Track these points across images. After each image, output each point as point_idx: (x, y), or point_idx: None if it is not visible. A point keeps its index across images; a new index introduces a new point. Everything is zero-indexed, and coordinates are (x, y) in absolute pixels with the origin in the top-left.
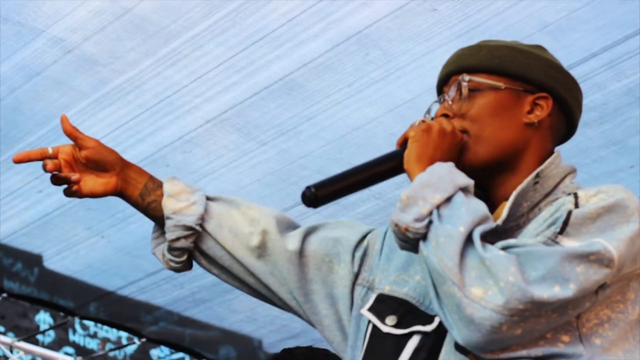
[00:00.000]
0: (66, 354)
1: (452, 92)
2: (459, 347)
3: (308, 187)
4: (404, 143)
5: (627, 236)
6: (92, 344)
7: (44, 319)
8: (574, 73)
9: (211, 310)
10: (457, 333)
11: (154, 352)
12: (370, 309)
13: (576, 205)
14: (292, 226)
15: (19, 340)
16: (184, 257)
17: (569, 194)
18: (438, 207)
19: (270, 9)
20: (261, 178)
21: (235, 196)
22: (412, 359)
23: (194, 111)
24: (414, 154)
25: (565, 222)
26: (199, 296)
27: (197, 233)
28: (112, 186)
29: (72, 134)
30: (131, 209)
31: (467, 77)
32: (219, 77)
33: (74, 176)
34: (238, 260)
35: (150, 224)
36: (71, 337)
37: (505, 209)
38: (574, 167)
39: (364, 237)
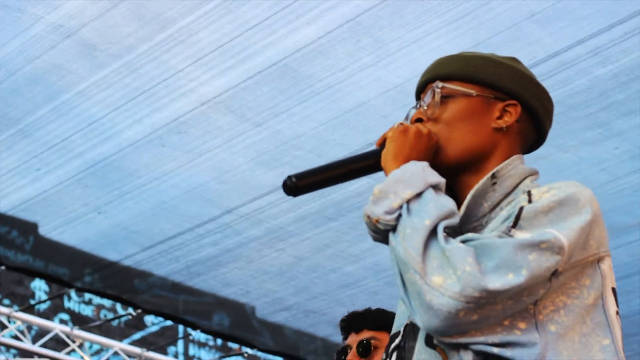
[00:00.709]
0: (61, 320)
1: (427, 98)
2: (428, 343)
3: (289, 177)
4: (383, 143)
5: (578, 226)
6: (87, 311)
7: (39, 286)
8: (561, 59)
9: (205, 282)
10: (418, 318)
11: (148, 318)
12: None
13: (529, 202)
14: None
15: (16, 311)
16: None
17: (524, 192)
18: (408, 201)
19: None
20: (255, 157)
21: None
22: (391, 356)
23: (189, 94)
24: (391, 153)
25: (518, 217)
26: (193, 269)
27: None
28: None
29: None
30: (127, 187)
31: (440, 84)
32: (214, 62)
33: None
34: None
35: (145, 200)
36: (66, 304)
37: (462, 207)
38: (536, 170)
39: None
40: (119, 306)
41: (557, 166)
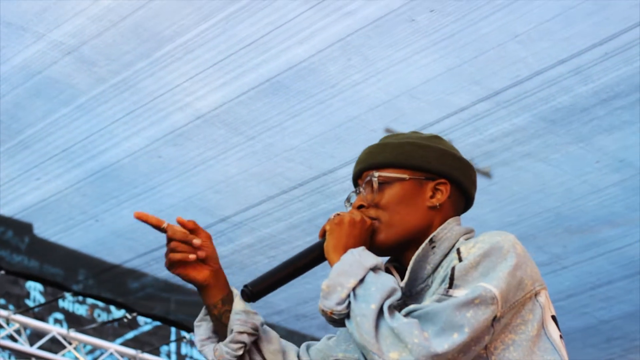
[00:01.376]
0: (56, 320)
1: (365, 185)
2: None
3: (245, 286)
4: (324, 235)
5: (505, 272)
6: (81, 310)
7: (34, 286)
8: (544, 78)
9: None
10: None
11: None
12: None
13: (460, 260)
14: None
15: (15, 313)
16: (241, 352)
17: (456, 250)
18: (354, 289)
19: (258, 18)
20: (248, 169)
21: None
22: None
23: (185, 108)
24: (330, 245)
25: (452, 277)
26: None
27: (257, 335)
28: (205, 277)
29: (194, 227)
30: (124, 196)
31: (376, 174)
32: (209, 78)
33: (192, 256)
34: None
35: (142, 208)
36: (60, 304)
37: (407, 273)
38: (471, 229)
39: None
40: (112, 306)
41: (541, 178)
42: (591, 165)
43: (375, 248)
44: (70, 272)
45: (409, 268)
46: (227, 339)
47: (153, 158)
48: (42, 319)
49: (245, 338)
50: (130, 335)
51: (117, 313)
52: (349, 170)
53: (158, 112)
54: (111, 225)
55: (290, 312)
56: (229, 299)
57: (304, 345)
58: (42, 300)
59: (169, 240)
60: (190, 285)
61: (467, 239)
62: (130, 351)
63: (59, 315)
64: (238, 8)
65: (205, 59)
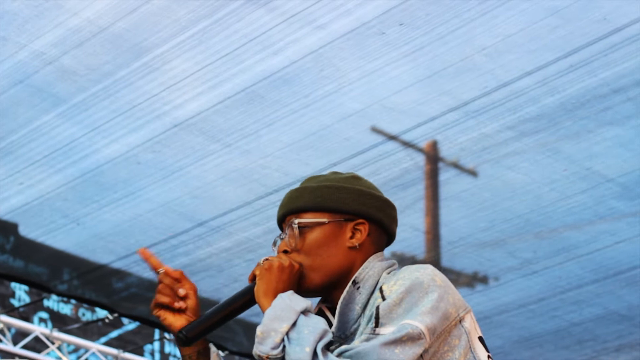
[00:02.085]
0: (40, 319)
1: (288, 231)
2: None
3: (180, 331)
4: (253, 279)
5: (428, 307)
6: (65, 310)
7: (19, 285)
8: (511, 89)
9: None
10: None
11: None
12: None
13: (383, 298)
14: None
15: (0, 314)
16: None
17: (379, 289)
18: (287, 333)
19: (233, 30)
20: (225, 175)
21: None
22: None
23: (163, 117)
24: (261, 290)
25: (377, 316)
26: None
27: None
28: (182, 327)
29: (179, 277)
30: (104, 200)
31: (296, 221)
32: (186, 88)
33: (177, 304)
34: None
35: (122, 212)
36: (45, 303)
37: (336, 317)
38: (393, 262)
39: None
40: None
41: (510, 186)
42: (559, 173)
43: (303, 291)
44: (55, 272)
45: (337, 312)
46: None
47: (132, 164)
48: (27, 318)
49: None
50: (114, 334)
51: (102, 312)
52: None
53: (137, 120)
54: (92, 229)
55: None
56: (205, 353)
57: None
58: (27, 299)
59: (159, 282)
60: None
61: (389, 273)
62: (113, 350)
63: (44, 315)
64: (214, 21)
65: (182, 69)
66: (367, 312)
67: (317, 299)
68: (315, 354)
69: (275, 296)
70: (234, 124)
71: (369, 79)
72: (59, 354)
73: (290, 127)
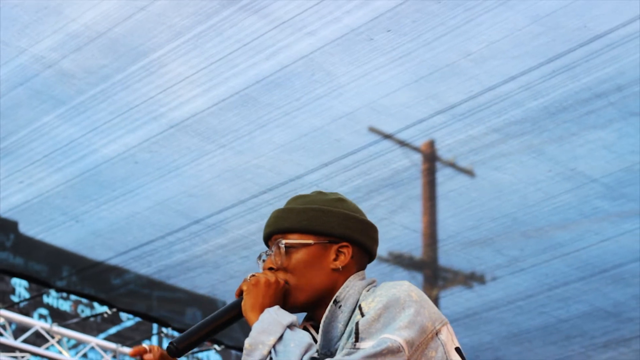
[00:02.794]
0: (40, 315)
1: (274, 249)
2: None
3: (171, 343)
4: (240, 294)
5: (406, 322)
6: (65, 306)
7: (19, 282)
8: (495, 93)
9: (176, 286)
10: None
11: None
12: None
13: (362, 315)
14: None
15: (0, 309)
16: None
17: (358, 306)
18: (274, 346)
19: (226, 36)
20: (220, 174)
21: None
22: None
23: (160, 118)
24: (248, 305)
25: (357, 332)
26: (164, 273)
27: None
28: None
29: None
30: (103, 198)
31: (283, 241)
32: (182, 91)
33: None
34: None
35: (120, 210)
36: (45, 300)
37: (319, 335)
38: (372, 280)
39: None
40: (96, 302)
41: (497, 186)
42: (544, 174)
43: (288, 308)
44: (54, 269)
45: (320, 331)
46: None
47: (130, 164)
48: (27, 314)
49: None
50: (113, 330)
51: (100, 309)
52: (315, 176)
53: (134, 121)
54: (91, 226)
55: None
56: None
57: None
58: (27, 295)
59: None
60: (171, 281)
61: (368, 290)
62: (112, 345)
63: (44, 311)
64: (208, 27)
65: (178, 72)
66: (348, 329)
67: (303, 315)
68: None
69: (262, 311)
70: (228, 125)
71: (358, 82)
72: (59, 348)
73: (283, 129)
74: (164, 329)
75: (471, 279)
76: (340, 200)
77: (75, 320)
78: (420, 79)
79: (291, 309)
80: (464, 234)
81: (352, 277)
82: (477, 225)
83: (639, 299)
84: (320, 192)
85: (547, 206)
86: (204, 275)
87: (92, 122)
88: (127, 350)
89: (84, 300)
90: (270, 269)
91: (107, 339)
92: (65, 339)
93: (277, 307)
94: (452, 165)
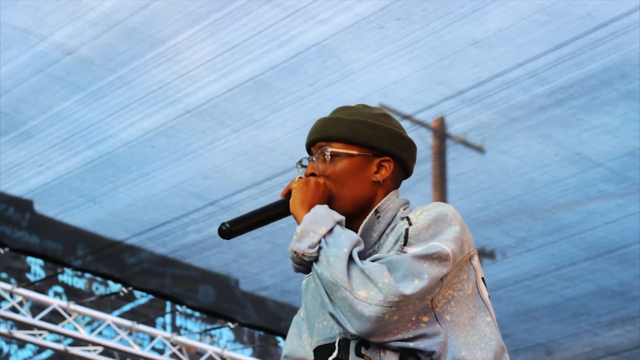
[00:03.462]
0: (55, 293)
1: (318, 156)
2: (357, 353)
3: (224, 224)
4: (288, 193)
5: (453, 236)
6: (79, 284)
7: (35, 260)
8: (503, 79)
9: (189, 264)
10: (350, 326)
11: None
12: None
13: (410, 224)
14: None
15: (18, 287)
16: None
17: (402, 218)
18: (324, 236)
19: (242, 23)
20: (234, 158)
21: None
22: None
23: (176, 103)
24: (297, 201)
25: (406, 237)
26: (179, 253)
27: None
28: None
29: None
30: (120, 181)
31: (329, 149)
32: (198, 77)
33: None
34: None
35: (137, 192)
36: (60, 278)
37: None
38: (407, 200)
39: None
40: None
41: (505, 170)
42: (550, 158)
43: None
44: (69, 248)
45: (358, 234)
46: None
47: (146, 147)
48: (43, 292)
49: None
50: (127, 307)
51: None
52: None
53: (151, 106)
54: (108, 208)
55: (276, 287)
56: None
57: None
58: (42, 274)
59: None
60: (186, 260)
61: (405, 209)
62: (127, 322)
63: (59, 289)
64: (223, 15)
65: (193, 59)
66: (388, 240)
67: None
68: (351, 256)
69: (309, 208)
70: (243, 110)
71: (369, 69)
72: (75, 325)
73: (296, 114)
74: (178, 307)
75: (481, 254)
76: (386, 116)
77: (91, 299)
78: (430, 66)
79: None
80: (473, 215)
81: (392, 192)
82: (485, 207)
83: None
84: (365, 106)
85: (554, 189)
86: (218, 255)
87: (110, 107)
88: (142, 327)
89: (99, 278)
90: (313, 174)
91: (122, 315)
92: (80, 317)
93: (326, 206)
94: (462, 142)
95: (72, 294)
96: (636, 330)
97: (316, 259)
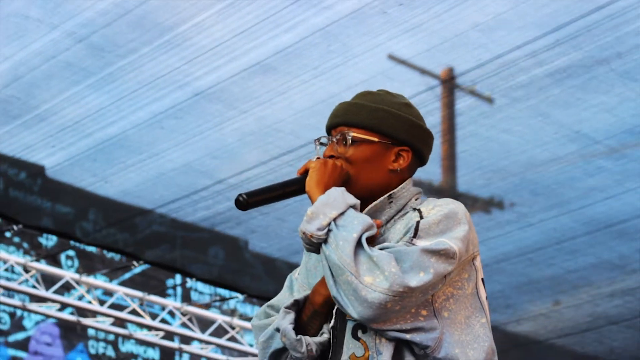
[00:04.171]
0: (67, 256)
1: (338, 139)
2: (354, 335)
3: (240, 195)
4: (305, 172)
5: (461, 235)
6: (91, 247)
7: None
8: (502, 61)
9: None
10: (352, 310)
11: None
12: None
13: (421, 217)
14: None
15: (32, 261)
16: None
17: (414, 209)
18: (335, 219)
19: (247, 11)
20: (242, 138)
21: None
22: (333, 348)
23: (185, 87)
24: (314, 181)
25: (416, 229)
26: (189, 228)
27: None
28: None
29: None
30: (131, 161)
31: (351, 133)
32: (206, 62)
33: None
34: None
35: (146, 172)
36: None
37: None
38: (420, 190)
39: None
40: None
41: (506, 147)
42: (550, 136)
43: None
44: (80, 212)
45: (365, 214)
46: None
47: (156, 129)
48: (55, 256)
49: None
50: (137, 270)
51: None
52: None
53: (160, 90)
54: (119, 187)
55: (284, 260)
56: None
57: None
58: (54, 237)
59: None
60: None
61: (416, 199)
62: (138, 293)
63: (71, 252)
64: (229, 3)
65: (201, 45)
66: (396, 227)
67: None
68: (359, 241)
69: (325, 189)
70: (250, 92)
71: (373, 52)
72: (87, 297)
73: (302, 96)
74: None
75: (490, 204)
76: (408, 106)
77: (103, 271)
78: (432, 49)
79: None
80: (475, 192)
81: (408, 180)
82: (487, 184)
83: None
84: (388, 93)
85: (553, 166)
86: (227, 230)
87: (121, 92)
88: (153, 298)
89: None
90: (331, 157)
91: (132, 278)
92: (93, 288)
93: (343, 188)
94: (471, 92)
95: (84, 257)
96: (636, 301)
97: (325, 241)
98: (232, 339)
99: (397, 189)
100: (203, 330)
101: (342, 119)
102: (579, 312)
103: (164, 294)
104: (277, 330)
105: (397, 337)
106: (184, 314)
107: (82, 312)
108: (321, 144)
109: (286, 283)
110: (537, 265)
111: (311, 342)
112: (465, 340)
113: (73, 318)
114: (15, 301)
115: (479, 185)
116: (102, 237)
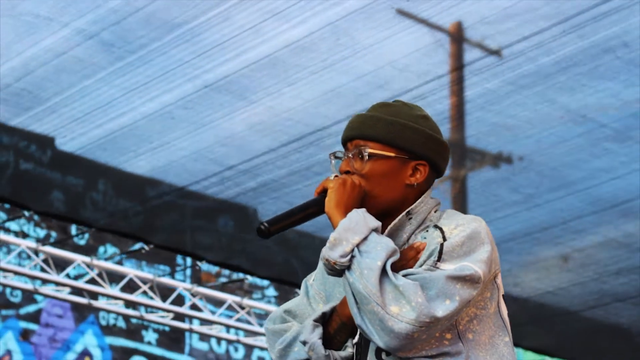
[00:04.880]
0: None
1: (354, 153)
2: (377, 356)
3: (262, 223)
4: (322, 192)
5: (485, 257)
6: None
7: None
8: (510, 51)
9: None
10: (378, 339)
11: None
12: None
13: (444, 238)
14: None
15: (43, 245)
16: None
17: (435, 226)
18: (358, 245)
19: (257, 7)
20: (252, 126)
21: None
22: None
23: (194, 79)
24: (333, 202)
25: (440, 252)
26: (199, 212)
27: None
28: None
29: None
30: (142, 149)
31: (367, 150)
32: (215, 56)
33: None
34: None
35: (157, 160)
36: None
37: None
38: (439, 201)
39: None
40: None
41: (514, 132)
42: (557, 120)
43: None
44: (90, 183)
45: (385, 234)
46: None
47: (167, 119)
48: (64, 228)
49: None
50: None
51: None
52: (341, 127)
53: (170, 82)
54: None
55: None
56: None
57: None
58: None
59: None
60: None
61: (435, 211)
62: (149, 276)
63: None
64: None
65: (211, 40)
66: (419, 238)
67: None
68: (384, 269)
69: (345, 210)
70: (259, 84)
71: (380, 45)
72: (99, 281)
73: (310, 87)
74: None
75: (498, 159)
76: (425, 118)
77: (118, 258)
78: (439, 40)
79: None
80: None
81: (426, 194)
82: (497, 140)
83: None
84: (405, 104)
85: (560, 148)
86: (236, 214)
87: (131, 85)
88: (163, 280)
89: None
90: (347, 172)
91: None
92: (104, 272)
93: (364, 209)
94: (479, 46)
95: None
96: None
97: (348, 267)
98: (243, 319)
99: (415, 204)
100: (213, 310)
101: (357, 132)
102: (585, 289)
103: (173, 265)
104: (304, 343)
105: None
106: (194, 295)
107: (93, 294)
108: (336, 157)
109: (302, 288)
110: (545, 244)
111: (338, 357)
112: None
113: (84, 301)
114: (28, 285)
115: (488, 142)
116: (112, 207)
